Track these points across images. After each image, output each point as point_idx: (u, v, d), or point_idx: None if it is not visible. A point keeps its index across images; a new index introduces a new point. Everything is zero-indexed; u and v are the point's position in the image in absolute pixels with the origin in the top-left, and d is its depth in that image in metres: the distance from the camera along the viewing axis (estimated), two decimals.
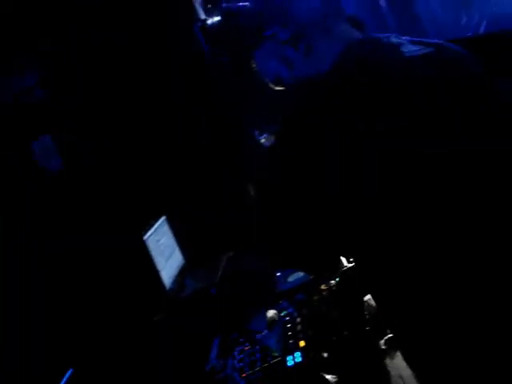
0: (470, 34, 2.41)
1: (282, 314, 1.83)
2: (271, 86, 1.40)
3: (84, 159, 2.91)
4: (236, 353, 1.77)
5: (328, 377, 1.51)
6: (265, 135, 3.16)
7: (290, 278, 2.07)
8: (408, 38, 1.28)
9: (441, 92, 1.10)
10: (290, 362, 1.60)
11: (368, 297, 1.81)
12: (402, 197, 1.04)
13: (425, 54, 1.20)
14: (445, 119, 1.07)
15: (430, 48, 1.23)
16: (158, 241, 2.67)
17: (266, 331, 1.76)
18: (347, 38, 1.27)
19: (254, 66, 1.40)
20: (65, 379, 1.82)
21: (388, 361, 1.49)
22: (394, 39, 1.25)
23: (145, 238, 2.51)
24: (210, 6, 3.70)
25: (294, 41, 1.28)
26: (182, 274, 2.80)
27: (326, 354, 1.49)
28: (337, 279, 1.89)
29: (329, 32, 1.28)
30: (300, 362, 1.58)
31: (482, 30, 2.31)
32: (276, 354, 1.63)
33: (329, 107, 1.06)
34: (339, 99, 1.06)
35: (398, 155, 1.03)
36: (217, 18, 3.45)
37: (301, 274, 2.07)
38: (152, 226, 2.67)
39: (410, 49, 1.21)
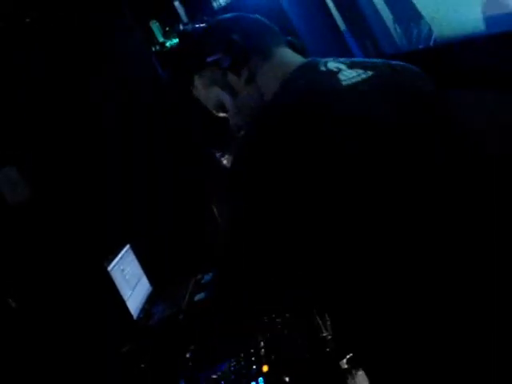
0: (420, 46, 2.45)
1: (246, 340, 1.83)
2: (213, 112, 1.38)
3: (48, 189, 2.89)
4: None
5: None
6: (226, 156, 3.17)
7: None
8: (347, 60, 1.27)
9: (371, 129, 1.07)
10: None
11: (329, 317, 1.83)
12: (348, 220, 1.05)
13: (363, 79, 1.19)
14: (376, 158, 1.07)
15: (368, 72, 1.22)
16: (123, 270, 2.65)
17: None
18: (288, 63, 1.26)
19: (194, 92, 1.37)
20: None
21: (350, 380, 1.50)
22: (331, 65, 1.23)
23: (109, 268, 2.49)
24: (167, 28, 3.72)
25: (236, 68, 1.28)
26: (150, 302, 2.78)
27: (287, 379, 1.49)
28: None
29: (270, 57, 1.28)
30: None
31: (431, 42, 2.35)
32: None
33: (273, 145, 1.06)
34: (281, 139, 1.06)
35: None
36: (175, 40, 3.48)
37: None
38: (116, 255, 2.65)
39: (347, 75, 1.19)
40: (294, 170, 1.04)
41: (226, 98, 1.29)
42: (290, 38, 1.39)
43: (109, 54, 3.11)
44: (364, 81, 1.17)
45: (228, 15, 1.37)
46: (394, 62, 1.30)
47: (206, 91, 1.32)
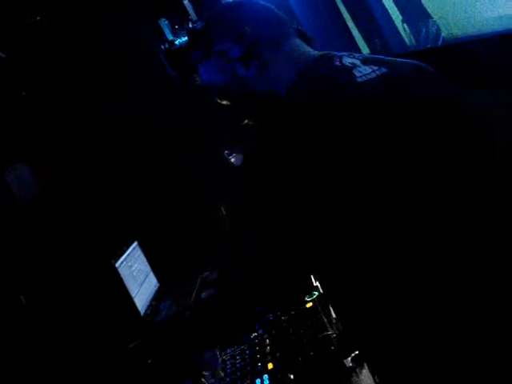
0: (429, 45, 2.44)
1: (252, 337, 1.84)
2: (217, 100, 1.36)
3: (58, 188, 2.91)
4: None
5: None
6: (234, 155, 3.18)
7: None
8: (361, 56, 1.26)
9: (393, 122, 1.09)
10: None
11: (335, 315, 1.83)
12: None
13: (377, 76, 1.18)
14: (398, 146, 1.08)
15: (383, 68, 1.20)
16: (131, 267, 2.67)
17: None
18: (301, 56, 1.25)
19: (198, 80, 1.35)
20: None
21: (354, 379, 1.51)
22: (346, 60, 1.21)
23: (116, 265, 2.50)
24: (177, 26, 3.73)
25: (245, 59, 1.26)
26: (157, 298, 2.80)
27: (292, 376, 1.50)
28: (306, 298, 1.92)
29: (281, 48, 1.26)
30: None
31: (439, 41, 2.34)
32: None
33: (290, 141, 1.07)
34: (297, 134, 1.06)
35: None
36: (184, 39, 3.49)
37: None
38: (124, 252, 2.67)
39: (362, 72, 1.17)
40: (314, 162, 1.04)
41: (233, 87, 1.28)
42: (299, 27, 1.36)
43: (119, 52, 3.12)
44: (378, 77, 1.17)
45: (236, 1, 1.35)
46: (404, 60, 1.29)
47: (212, 78, 1.30)
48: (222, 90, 1.30)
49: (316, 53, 1.26)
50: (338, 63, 1.19)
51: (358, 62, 1.20)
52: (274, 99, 1.24)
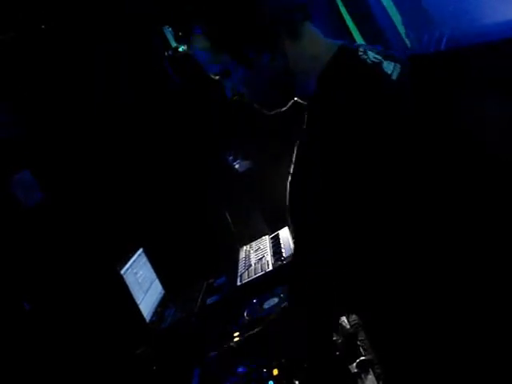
0: (431, 49, 2.44)
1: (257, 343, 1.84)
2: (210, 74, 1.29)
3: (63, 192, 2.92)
4: None
5: None
6: (238, 160, 3.19)
7: (266, 305, 2.09)
8: (375, 48, 1.21)
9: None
10: None
11: (342, 319, 1.83)
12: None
13: (400, 73, 1.17)
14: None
15: (397, 64, 1.19)
16: (136, 274, 2.68)
17: None
18: (321, 45, 1.21)
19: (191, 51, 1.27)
20: None
21: None
22: (371, 55, 1.18)
23: (122, 272, 2.51)
24: (181, 33, 3.75)
25: (259, 47, 1.16)
26: (162, 305, 2.80)
27: (297, 382, 1.50)
28: None
29: (299, 37, 1.19)
30: None
31: (442, 46, 2.34)
32: None
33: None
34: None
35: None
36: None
37: (276, 299, 2.08)
38: (129, 259, 2.67)
39: (389, 68, 1.17)
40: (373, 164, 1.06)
41: (237, 70, 1.20)
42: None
43: (121, 56, 3.13)
44: (401, 74, 1.17)
45: None
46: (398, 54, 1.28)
47: (210, 56, 1.20)
48: (223, 68, 1.21)
49: (334, 43, 1.22)
50: (364, 57, 1.17)
51: (380, 58, 1.19)
52: (302, 94, 1.24)
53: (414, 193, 1.07)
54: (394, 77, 1.15)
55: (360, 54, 1.17)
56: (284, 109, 1.30)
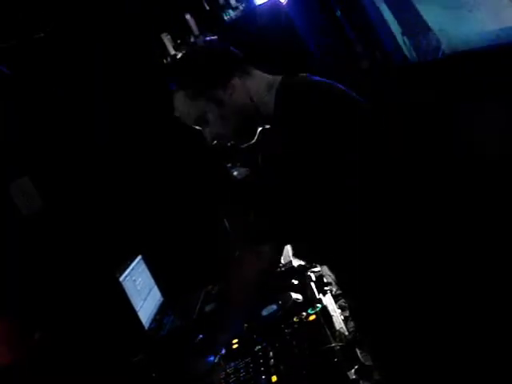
0: (429, 58, 2.46)
1: (256, 349, 1.84)
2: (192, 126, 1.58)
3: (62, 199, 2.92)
4: None
5: None
6: (236, 168, 3.20)
7: (265, 312, 2.08)
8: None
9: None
10: None
11: (341, 326, 1.84)
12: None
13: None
14: None
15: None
16: (135, 281, 2.68)
17: None
18: (268, 76, 1.56)
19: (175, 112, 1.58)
20: None
21: None
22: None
23: (120, 279, 2.51)
24: (179, 41, 3.76)
25: (222, 82, 1.52)
26: (161, 312, 2.80)
27: None
28: (309, 311, 1.92)
29: (251, 72, 1.55)
30: None
31: (440, 54, 2.36)
32: None
33: None
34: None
35: None
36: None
37: (274, 306, 2.08)
38: (128, 266, 2.67)
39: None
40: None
41: (211, 108, 1.49)
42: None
43: (120, 64, 3.15)
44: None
45: (208, 43, 1.80)
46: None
47: (189, 104, 1.49)
48: (199, 114, 1.50)
49: (276, 76, 1.54)
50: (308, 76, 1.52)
51: (319, 79, 1.51)
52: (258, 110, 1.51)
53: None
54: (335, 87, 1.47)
55: (302, 76, 1.51)
56: (253, 141, 1.58)
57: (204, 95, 1.47)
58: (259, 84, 1.52)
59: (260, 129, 1.57)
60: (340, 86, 1.47)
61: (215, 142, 1.55)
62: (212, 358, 1.60)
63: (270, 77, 1.55)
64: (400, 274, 1.25)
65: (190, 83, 1.48)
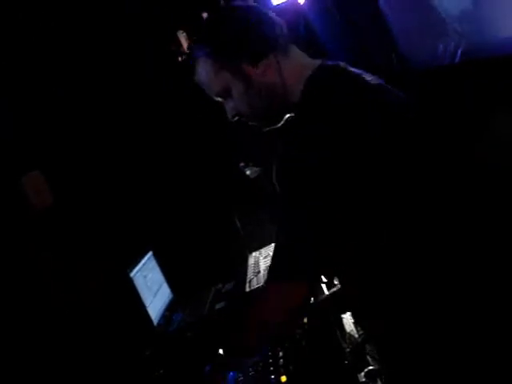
0: (446, 62, 2.45)
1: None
2: (212, 96, 1.39)
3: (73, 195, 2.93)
4: None
5: None
6: (249, 167, 3.20)
7: None
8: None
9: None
10: None
11: (351, 328, 1.83)
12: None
13: (379, 83, 1.33)
14: None
15: (375, 77, 1.34)
16: (146, 276, 2.69)
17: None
18: (307, 61, 1.37)
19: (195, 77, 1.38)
20: None
21: None
22: (350, 68, 1.34)
23: (131, 274, 2.53)
24: (195, 38, 3.77)
25: (255, 59, 1.31)
26: (171, 309, 2.81)
27: None
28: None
29: (289, 53, 1.35)
30: None
31: (457, 59, 2.35)
32: None
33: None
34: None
35: None
36: None
37: None
38: (139, 262, 2.69)
39: (369, 78, 1.31)
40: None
41: (236, 84, 1.32)
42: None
43: (135, 64, 3.16)
44: (380, 83, 1.32)
45: (245, 6, 1.38)
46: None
47: (212, 75, 1.33)
48: (223, 87, 1.33)
49: (315, 61, 1.36)
50: (348, 68, 1.33)
51: (359, 71, 1.33)
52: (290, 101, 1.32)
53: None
54: (375, 82, 1.29)
55: (342, 65, 1.32)
56: (279, 125, 1.40)
57: (231, 68, 1.30)
58: (295, 67, 1.33)
59: (288, 115, 1.38)
60: (389, 88, 1.33)
61: (236, 118, 1.40)
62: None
63: (306, 61, 1.37)
64: (405, 277, 1.23)
65: (217, 50, 1.31)
